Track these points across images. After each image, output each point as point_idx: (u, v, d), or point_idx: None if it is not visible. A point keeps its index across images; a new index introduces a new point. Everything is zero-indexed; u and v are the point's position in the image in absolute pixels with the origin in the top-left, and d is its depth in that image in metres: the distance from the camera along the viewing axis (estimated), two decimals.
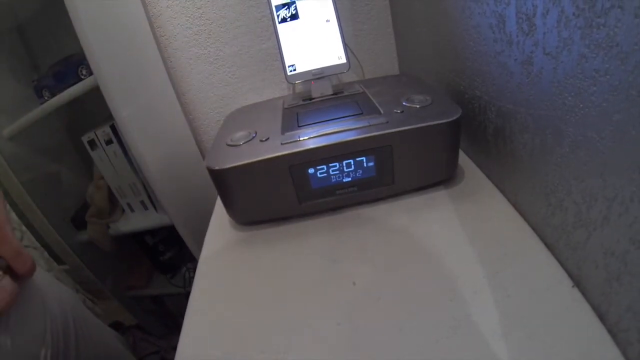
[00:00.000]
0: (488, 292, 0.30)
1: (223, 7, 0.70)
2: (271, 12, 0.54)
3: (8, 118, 0.69)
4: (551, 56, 0.27)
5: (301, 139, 0.40)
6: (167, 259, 0.94)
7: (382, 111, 0.43)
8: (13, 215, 0.78)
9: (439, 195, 0.43)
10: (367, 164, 0.41)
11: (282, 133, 0.43)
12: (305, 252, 0.40)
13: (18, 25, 0.74)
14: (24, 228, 0.81)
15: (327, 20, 0.54)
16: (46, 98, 0.66)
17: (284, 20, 0.54)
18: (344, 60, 0.55)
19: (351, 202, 0.44)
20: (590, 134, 0.25)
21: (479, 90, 0.41)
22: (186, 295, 0.38)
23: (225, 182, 0.41)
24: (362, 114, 0.44)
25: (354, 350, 0.29)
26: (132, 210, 0.82)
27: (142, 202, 0.80)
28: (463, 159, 0.49)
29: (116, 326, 0.89)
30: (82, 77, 0.60)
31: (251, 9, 0.70)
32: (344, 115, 0.45)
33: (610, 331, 0.26)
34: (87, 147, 0.73)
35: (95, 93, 0.57)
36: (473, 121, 0.44)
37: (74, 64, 0.61)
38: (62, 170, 0.83)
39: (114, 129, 0.71)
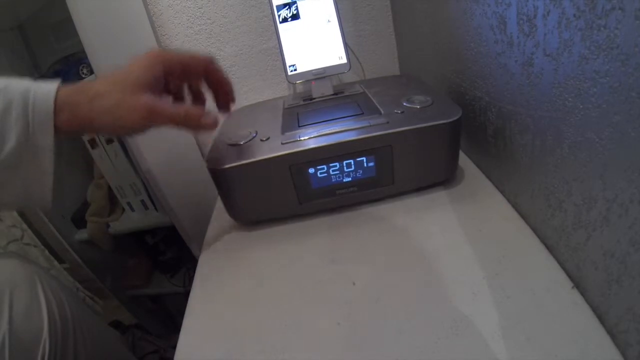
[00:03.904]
0: (488, 293, 0.30)
1: (224, 6, 0.70)
2: (272, 12, 0.54)
3: None
4: (552, 57, 0.27)
5: (301, 138, 0.40)
6: (167, 258, 0.95)
7: (382, 111, 0.43)
8: (14, 213, 0.78)
9: (439, 196, 0.43)
10: (367, 164, 0.41)
11: (283, 133, 0.43)
12: (305, 252, 0.40)
13: (19, 24, 0.74)
14: (24, 226, 0.81)
15: (328, 21, 0.54)
16: None
17: (285, 20, 0.54)
18: (344, 60, 0.55)
19: (351, 202, 0.44)
20: (590, 135, 0.25)
21: (479, 91, 0.41)
22: (186, 295, 0.38)
23: (225, 181, 0.41)
24: (362, 114, 0.44)
25: (353, 351, 0.29)
26: (132, 209, 0.82)
27: (143, 202, 0.80)
28: (463, 159, 0.49)
29: (116, 325, 0.89)
30: (83, 76, 0.60)
31: (252, 8, 0.70)
32: (345, 115, 0.45)
33: (609, 332, 0.26)
34: (88, 146, 0.73)
35: None
36: (473, 122, 0.44)
37: (75, 63, 0.61)
38: (63, 169, 0.83)
39: None
